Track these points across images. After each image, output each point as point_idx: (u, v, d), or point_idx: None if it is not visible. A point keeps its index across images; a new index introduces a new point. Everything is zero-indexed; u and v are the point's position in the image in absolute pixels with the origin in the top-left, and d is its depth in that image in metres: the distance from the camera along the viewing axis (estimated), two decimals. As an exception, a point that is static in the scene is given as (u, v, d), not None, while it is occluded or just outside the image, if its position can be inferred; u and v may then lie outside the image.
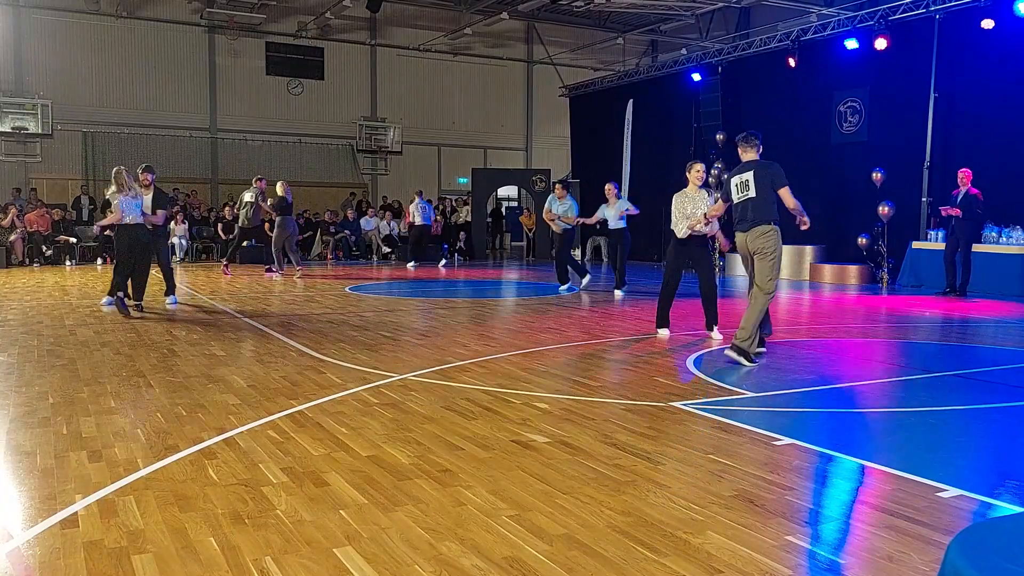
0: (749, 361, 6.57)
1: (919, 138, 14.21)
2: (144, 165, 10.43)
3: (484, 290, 13.36)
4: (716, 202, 7.72)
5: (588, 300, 11.50)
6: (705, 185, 8.24)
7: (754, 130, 7.21)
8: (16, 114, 21.61)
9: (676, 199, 8.04)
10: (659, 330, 8.26)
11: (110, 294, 9.91)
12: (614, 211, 11.96)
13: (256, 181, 15.41)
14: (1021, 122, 12.87)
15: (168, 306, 10.37)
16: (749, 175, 6.85)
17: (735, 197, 6.94)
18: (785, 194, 6.79)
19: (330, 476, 3.79)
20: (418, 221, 17.34)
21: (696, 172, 8.02)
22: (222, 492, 3.56)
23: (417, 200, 17.45)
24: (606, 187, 12.13)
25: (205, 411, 4.98)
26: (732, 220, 7.06)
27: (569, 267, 12.97)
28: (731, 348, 6.73)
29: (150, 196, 10.01)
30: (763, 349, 7.08)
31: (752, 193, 6.78)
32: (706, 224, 7.76)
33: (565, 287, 12.63)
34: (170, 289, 10.77)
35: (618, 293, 12.08)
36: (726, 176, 7.30)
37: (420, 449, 4.22)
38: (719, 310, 8.18)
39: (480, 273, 17.13)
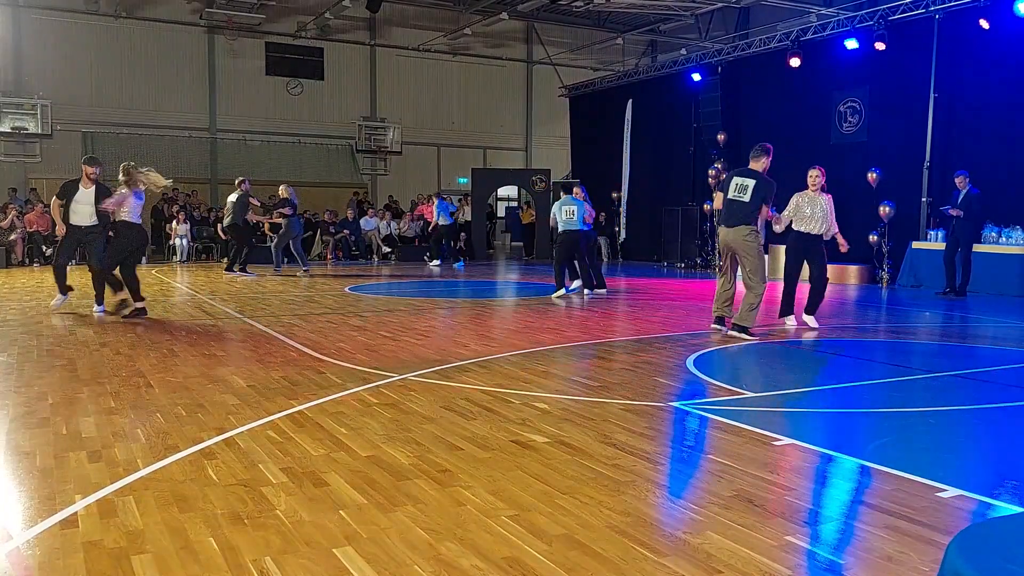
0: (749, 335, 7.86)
1: (919, 138, 14.20)
2: (87, 157, 9.76)
3: (484, 290, 13.36)
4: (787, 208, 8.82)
5: (585, 301, 11.50)
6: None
7: (768, 143, 8.06)
8: (16, 114, 21.63)
9: (797, 199, 8.73)
10: (785, 319, 8.92)
11: (137, 298, 9.26)
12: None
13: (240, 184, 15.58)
14: (1021, 122, 12.87)
15: (96, 314, 9.48)
16: (751, 182, 7.70)
17: (731, 195, 7.75)
18: (765, 210, 7.90)
19: (330, 476, 3.78)
20: (442, 221, 18.32)
21: (812, 177, 8.76)
22: (222, 492, 3.56)
23: (437, 201, 18.45)
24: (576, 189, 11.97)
25: (205, 411, 4.97)
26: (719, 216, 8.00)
27: (567, 271, 12.12)
28: (735, 328, 7.95)
29: (92, 190, 9.18)
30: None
31: (746, 198, 7.70)
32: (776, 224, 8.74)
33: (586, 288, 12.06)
34: (101, 297, 9.60)
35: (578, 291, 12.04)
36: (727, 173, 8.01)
37: (420, 449, 4.21)
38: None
39: (481, 273, 17.12)
